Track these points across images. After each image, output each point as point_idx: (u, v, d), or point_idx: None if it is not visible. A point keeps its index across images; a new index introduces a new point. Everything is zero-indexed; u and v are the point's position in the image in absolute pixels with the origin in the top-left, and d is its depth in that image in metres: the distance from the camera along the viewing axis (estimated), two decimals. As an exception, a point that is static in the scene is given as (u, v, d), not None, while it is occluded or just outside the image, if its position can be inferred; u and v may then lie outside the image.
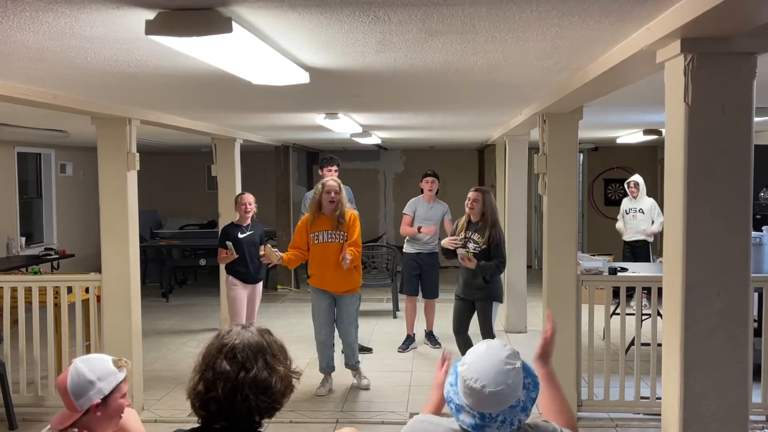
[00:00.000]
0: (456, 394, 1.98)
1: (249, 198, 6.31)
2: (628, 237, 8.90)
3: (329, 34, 2.85)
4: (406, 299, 7.43)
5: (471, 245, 5.62)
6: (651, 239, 8.84)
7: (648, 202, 8.86)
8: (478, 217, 5.68)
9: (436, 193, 7.33)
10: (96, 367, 2.27)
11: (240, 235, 6.17)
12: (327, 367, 5.88)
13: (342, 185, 5.78)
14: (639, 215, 8.80)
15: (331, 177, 6.00)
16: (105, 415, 2.28)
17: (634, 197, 8.88)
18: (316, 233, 5.68)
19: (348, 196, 7.14)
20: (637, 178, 8.95)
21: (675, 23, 2.38)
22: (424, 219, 7.16)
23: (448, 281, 7.87)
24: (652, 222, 8.74)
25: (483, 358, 1.95)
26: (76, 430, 2.24)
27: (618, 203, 12.89)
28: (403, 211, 7.36)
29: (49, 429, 2.28)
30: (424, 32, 2.83)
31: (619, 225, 9.14)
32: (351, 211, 5.84)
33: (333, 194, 5.65)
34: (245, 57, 3.04)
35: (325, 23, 2.67)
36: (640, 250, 8.74)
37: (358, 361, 5.99)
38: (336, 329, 5.89)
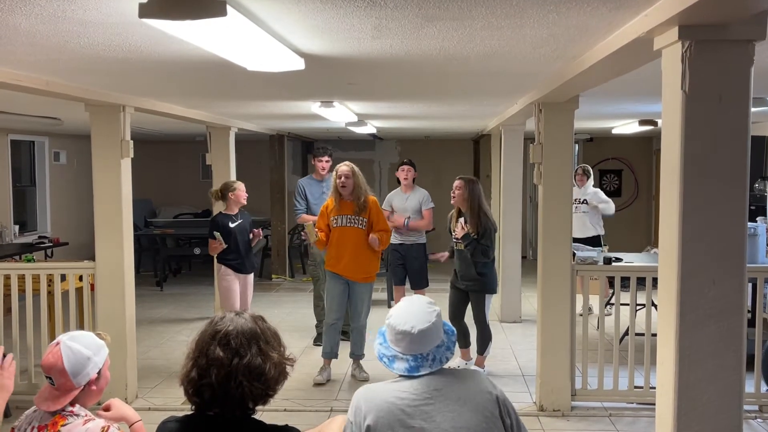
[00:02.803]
0: (387, 348, 2.25)
1: (243, 186, 6.21)
2: (576, 233, 7.79)
3: (325, 19, 2.83)
4: (394, 290, 7.44)
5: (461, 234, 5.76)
6: (601, 231, 8.10)
7: (591, 192, 8.14)
8: (463, 206, 5.78)
9: (414, 181, 7.26)
10: (88, 343, 2.30)
11: (231, 225, 6.05)
12: (330, 353, 5.87)
13: (356, 169, 5.75)
14: (582, 206, 8.00)
15: (343, 162, 5.88)
16: (98, 388, 2.32)
17: (580, 187, 8.06)
18: (336, 217, 5.71)
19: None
20: (585, 165, 8.40)
21: (672, 10, 2.37)
22: (402, 210, 7.03)
23: (439, 270, 7.86)
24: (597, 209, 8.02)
25: (407, 307, 2.26)
26: (70, 408, 2.24)
27: (613, 194, 12.95)
28: (382, 207, 7.30)
29: (35, 411, 2.28)
30: (421, 17, 2.81)
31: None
32: (372, 197, 5.84)
33: (343, 178, 5.65)
34: (240, 42, 3.01)
35: (320, 7, 2.65)
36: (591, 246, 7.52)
37: (363, 354, 5.97)
38: (349, 313, 5.91)
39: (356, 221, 5.68)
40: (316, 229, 5.76)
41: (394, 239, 7.18)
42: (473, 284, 5.77)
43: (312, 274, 7.34)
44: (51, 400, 2.24)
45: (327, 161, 6.97)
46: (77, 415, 2.24)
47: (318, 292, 7.00)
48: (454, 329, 2.33)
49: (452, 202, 5.88)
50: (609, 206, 8.12)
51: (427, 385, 2.17)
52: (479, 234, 5.66)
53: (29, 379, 5.37)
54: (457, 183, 5.84)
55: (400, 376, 2.21)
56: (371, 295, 6.00)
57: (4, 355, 2.40)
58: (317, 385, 5.75)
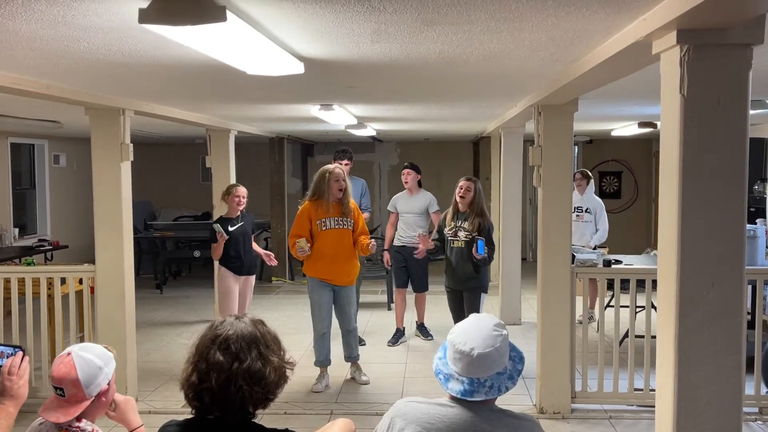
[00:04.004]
0: (445, 365, 2.07)
1: (242, 191, 6.20)
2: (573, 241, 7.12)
3: (324, 23, 2.83)
4: (395, 292, 7.45)
5: (462, 234, 5.66)
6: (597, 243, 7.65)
7: (595, 202, 7.75)
8: (467, 207, 5.70)
9: (420, 184, 7.29)
10: (99, 353, 2.26)
11: (231, 228, 6.07)
12: (325, 360, 5.83)
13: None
14: (585, 215, 7.65)
15: (336, 165, 5.88)
16: (107, 399, 2.27)
17: (580, 192, 7.67)
18: (323, 220, 5.58)
19: (363, 190, 7.17)
20: (584, 170, 8.11)
21: (671, 14, 2.38)
22: (404, 212, 7.15)
23: (439, 273, 7.84)
24: (596, 230, 7.64)
25: (472, 325, 2.08)
26: (77, 423, 2.21)
27: (612, 196, 12.98)
28: (387, 208, 7.37)
29: (41, 424, 2.25)
30: (420, 22, 2.82)
31: None
32: (352, 200, 5.82)
33: (342, 181, 5.61)
34: (239, 46, 3.02)
35: (319, 12, 2.65)
36: None
37: (359, 355, 5.97)
38: (337, 318, 5.86)
39: (344, 222, 5.63)
40: (308, 245, 5.55)
41: (397, 241, 7.21)
42: (469, 282, 5.71)
43: None
44: (61, 411, 2.17)
45: (346, 165, 6.91)
46: (83, 430, 2.21)
47: None
48: (523, 356, 2.12)
49: (459, 201, 5.72)
50: (601, 236, 7.68)
51: (467, 422, 2.00)
52: (481, 233, 5.63)
53: (30, 383, 5.36)
54: (466, 184, 5.72)
55: (451, 398, 2.06)
56: (357, 296, 5.99)
57: (23, 353, 2.36)
58: (316, 392, 5.69)
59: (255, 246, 6.39)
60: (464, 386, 2.01)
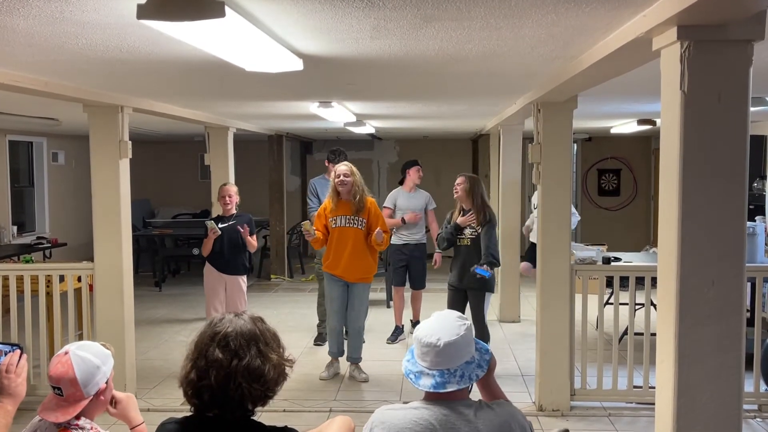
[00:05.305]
0: (414, 363, 2.13)
1: (229, 190, 6.13)
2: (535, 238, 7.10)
3: (323, 19, 2.82)
4: (393, 290, 7.45)
5: (468, 231, 5.71)
6: None
7: None
8: (468, 203, 5.74)
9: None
10: (97, 352, 2.24)
11: (220, 225, 6.01)
12: (337, 352, 5.94)
13: (354, 169, 5.81)
14: None
15: (342, 162, 5.96)
16: (105, 398, 2.26)
17: None
18: (335, 218, 5.75)
19: None
20: None
21: (671, 10, 2.37)
22: (406, 209, 7.17)
23: (436, 271, 7.82)
24: None
25: (436, 320, 2.16)
26: (75, 421, 2.20)
27: (611, 194, 12.98)
28: (384, 204, 7.31)
29: (40, 421, 2.24)
30: (419, 18, 2.81)
31: (528, 223, 7.85)
32: (371, 198, 5.86)
33: (342, 177, 5.69)
34: (238, 43, 3.01)
35: (318, 8, 2.65)
36: None
37: (360, 357, 6.00)
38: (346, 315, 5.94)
39: (355, 221, 5.71)
40: (314, 228, 5.79)
41: (398, 240, 7.21)
42: (475, 282, 5.70)
43: (317, 272, 7.34)
44: (59, 410, 2.16)
45: None
46: (82, 428, 2.19)
47: (322, 290, 6.98)
48: (488, 347, 2.20)
49: (455, 196, 5.83)
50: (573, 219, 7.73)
51: (442, 422, 2.03)
52: (481, 225, 5.64)
53: (28, 380, 5.35)
54: (459, 180, 5.84)
55: (425, 396, 2.10)
56: (368, 296, 6.03)
57: (21, 351, 2.35)
58: (322, 380, 5.84)
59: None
60: (435, 379, 2.06)
